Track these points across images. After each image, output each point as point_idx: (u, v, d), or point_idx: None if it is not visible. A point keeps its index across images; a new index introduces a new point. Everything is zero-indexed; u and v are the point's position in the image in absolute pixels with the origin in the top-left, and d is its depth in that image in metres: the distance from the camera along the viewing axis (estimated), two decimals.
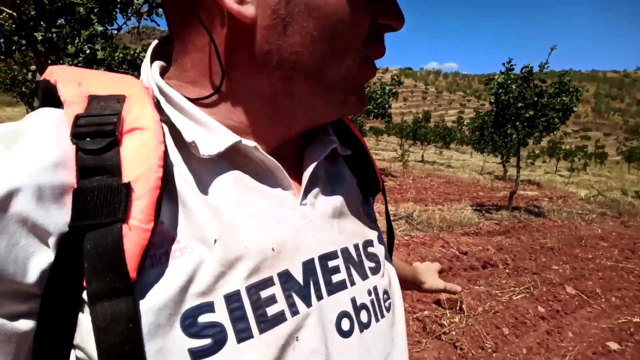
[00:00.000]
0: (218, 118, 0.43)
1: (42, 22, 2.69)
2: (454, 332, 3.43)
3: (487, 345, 3.30)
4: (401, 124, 35.11)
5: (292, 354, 0.39)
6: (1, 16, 2.58)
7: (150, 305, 0.33)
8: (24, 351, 0.32)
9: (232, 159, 0.43)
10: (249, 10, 0.38)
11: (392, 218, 7.01)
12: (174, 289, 0.34)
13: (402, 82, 16.47)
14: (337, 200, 0.51)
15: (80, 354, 0.33)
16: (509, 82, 7.82)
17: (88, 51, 2.94)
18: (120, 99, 0.38)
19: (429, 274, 0.93)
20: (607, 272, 5.49)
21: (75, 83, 0.39)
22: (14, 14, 2.52)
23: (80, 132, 0.34)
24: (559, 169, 33.62)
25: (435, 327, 3.50)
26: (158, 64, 0.46)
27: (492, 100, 8.07)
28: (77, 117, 0.35)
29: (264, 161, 0.44)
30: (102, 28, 2.96)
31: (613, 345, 3.52)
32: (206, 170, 0.41)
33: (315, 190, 0.49)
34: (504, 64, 8.03)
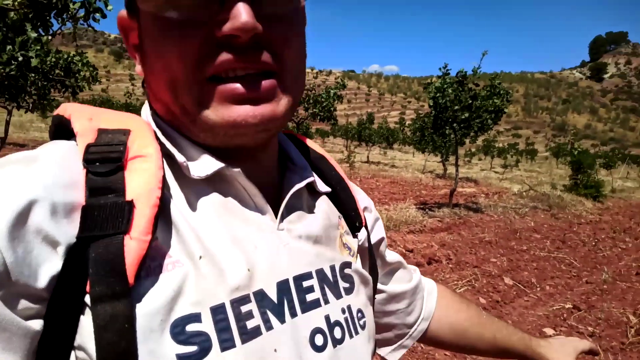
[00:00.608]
0: (195, 137, 0.48)
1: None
2: None
3: None
4: (346, 125, 35.67)
5: None
6: None
7: (144, 310, 0.37)
8: (31, 351, 0.35)
9: (216, 182, 0.47)
10: (139, 68, 0.49)
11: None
12: (166, 298, 0.38)
13: (346, 84, 16.73)
14: (314, 227, 0.54)
15: (80, 354, 0.36)
16: (446, 86, 8.23)
17: (21, 58, 2.76)
18: (125, 132, 0.44)
19: (560, 353, 0.83)
20: (541, 263, 5.91)
21: (87, 118, 0.45)
22: None
23: (90, 158, 0.40)
24: (494, 166, 35.54)
25: None
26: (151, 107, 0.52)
27: (431, 104, 8.44)
28: (88, 146, 0.41)
29: (246, 187, 0.48)
30: (36, 34, 2.79)
31: (549, 331, 3.80)
32: (194, 192, 0.46)
33: (293, 217, 0.53)
34: (440, 68, 8.45)
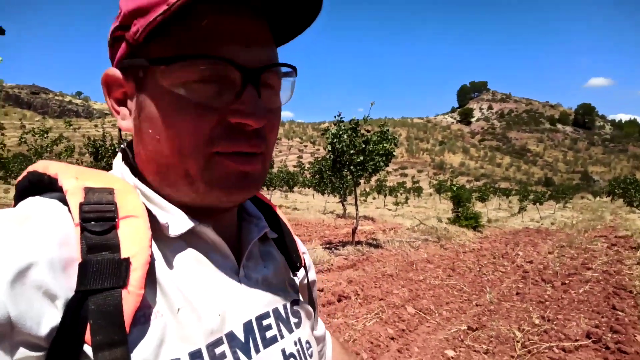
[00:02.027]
0: (172, 201, 0.51)
1: None
2: None
3: None
4: None
5: None
6: None
7: (137, 356, 0.40)
8: None
9: (188, 238, 0.51)
10: (126, 124, 0.53)
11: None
12: (152, 346, 0.42)
13: None
14: (268, 272, 0.61)
15: None
16: (341, 132, 8.87)
17: None
18: (111, 192, 0.46)
19: None
20: (437, 290, 6.45)
21: (74, 177, 0.46)
22: None
23: (86, 217, 0.42)
24: (387, 204, 37.90)
25: None
26: (123, 163, 0.55)
27: (330, 148, 8.99)
28: (82, 204, 0.43)
29: (214, 241, 0.53)
30: None
31: (450, 353, 4.15)
32: (170, 249, 0.49)
33: (251, 265, 0.59)
34: (335, 116, 9.10)
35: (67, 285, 0.39)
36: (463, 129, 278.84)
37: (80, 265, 0.40)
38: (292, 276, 0.68)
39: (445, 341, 4.48)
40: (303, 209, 25.19)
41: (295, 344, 0.60)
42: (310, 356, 0.62)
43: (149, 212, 0.48)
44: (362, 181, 10.35)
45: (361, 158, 8.84)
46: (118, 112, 0.52)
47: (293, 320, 0.62)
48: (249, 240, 0.59)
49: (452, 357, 4.08)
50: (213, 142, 0.48)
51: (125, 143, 0.59)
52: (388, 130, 9.28)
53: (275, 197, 38.36)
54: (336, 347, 0.90)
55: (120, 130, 0.60)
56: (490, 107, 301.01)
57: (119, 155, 0.57)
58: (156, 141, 0.49)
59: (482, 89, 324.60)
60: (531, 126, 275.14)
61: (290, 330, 0.60)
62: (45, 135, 12.25)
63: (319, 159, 17.99)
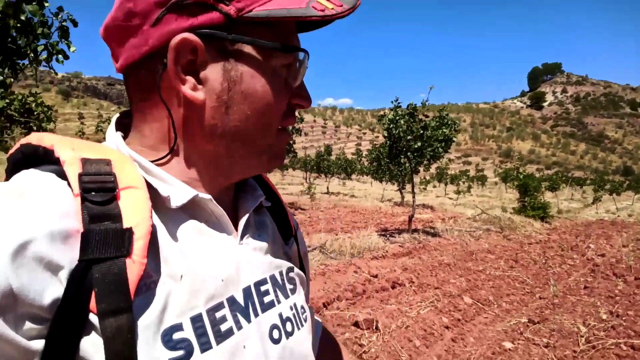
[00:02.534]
0: (173, 174, 0.53)
1: None
2: (373, 350, 3.66)
3: (402, 358, 3.58)
4: (305, 158, 36.03)
5: (244, 358, 0.51)
6: None
7: (141, 323, 0.42)
8: None
9: (189, 209, 0.53)
10: (200, 95, 0.50)
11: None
12: (156, 312, 0.43)
13: (303, 118, 17.12)
14: (263, 241, 0.63)
15: None
16: (398, 117, 8.70)
17: None
18: (107, 162, 0.46)
19: None
20: (497, 281, 6.21)
21: (70, 148, 0.46)
22: None
23: (86, 187, 0.42)
24: (448, 192, 36.83)
25: (356, 347, 3.68)
26: (119, 134, 0.55)
27: (386, 135, 8.86)
28: (81, 175, 0.43)
29: (214, 211, 0.55)
30: (1, 78, 2.80)
31: (508, 345, 4.00)
32: (172, 219, 0.51)
33: (248, 233, 0.61)
34: (392, 101, 8.94)
35: (69, 256, 0.40)
36: (534, 114, 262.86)
37: (83, 234, 0.40)
38: (285, 245, 0.70)
39: (503, 333, 4.33)
40: (360, 196, 25.14)
41: (291, 309, 0.62)
42: (305, 320, 0.65)
43: (148, 184, 0.49)
44: (421, 168, 10.14)
45: (419, 144, 8.64)
46: (184, 81, 0.49)
47: (289, 286, 0.64)
48: (245, 209, 0.61)
49: (509, 349, 3.93)
50: (282, 119, 0.56)
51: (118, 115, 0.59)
52: (448, 115, 8.97)
53: (333, 184, 38.60)
54: (325, 334, 0.90)
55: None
56: (564, 91, 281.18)
57: (112, 126, 0.56)
58: (244, 116, 0.52)
59: (555, 71, 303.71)
60: (609, 111, 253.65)
61: (286, 296, 0.62)
62: None
63: (376, 146, 17.81)
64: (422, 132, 8.67)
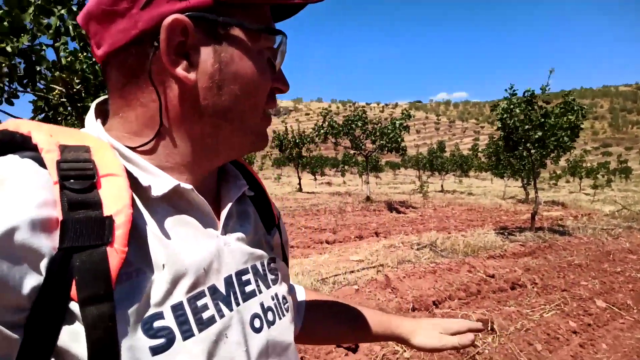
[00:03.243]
0: (156, 162, 0.52)
1: (88, 94, 3.05)
2: (487, 352, 3.50)
3: None
4: (417, 156, 35.21)
5: (224, 347, 0.51)
6: (53, 94, 2.94)
7: (122, 311, 0.42)
8: (14, 356, 0.39)
9: (170, 198, 0.52)
10: (192, 76, 0.50)
11: (416, 247, 7.19)
12: (136, 302, 0.43)
13: (413, 115, 16.79)
14: (245, 231, 0.62)
15: (62, 358, 0.40)
16: (512, 106, 8.08)
17: None
18: (86, 149, 0.46)
19: (424, 335, 0.87)
20: (638, 284, 5.44)
21: (48, 134, 0.46)
22: (63, 90, 2.88)
23: (65, 174, 0.42)
24: (583, 188, 32.91)
25: (469, 348, 3.57)
26: (99, 121, 0.54)
27: (500, 125, 8.30)
28: (59, 162, 0.42)
29: (195, 200, 0.54)
30: None
31: None
32: (152, 209, 0.50)
33: (231, 223, 0.61)
34: (506, 89, 8.33)
35: (49, 245, 0.39)
36: None
37: (62, 223, 0.40)
38: (267, 234, 0.70)
39: None
40: (479, 194, 23.77)
41: (273, 299, 0.63)
42: (287, 310, 0.65)
43: (128, 173, 0.48)
44: (547, 161, 9.29)
45: (539, 134, 7.91)
46: (177, 63, 0.49)
47: (270, 276, 0.64)
48: (228, 199, 0.61)
49: None
50: (266, 102, 0.57)
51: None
52: (574, 100, 8.07)
53: (448, 182, 37.09)
54: (310, 293, 0.93)
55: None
56: None
57: (92, 113, 0.56)
58: (234, 96, 0.52)
59: None
60: None
61: (268, 286, 0.63)
62: None
63: (494, 139, 16.72)
64: (542, 120, 7.93)
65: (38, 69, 2.39)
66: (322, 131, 17.13)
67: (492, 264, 6.24)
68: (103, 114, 0.57)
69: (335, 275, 5.43)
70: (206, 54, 0.50)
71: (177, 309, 0.47)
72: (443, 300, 4.68)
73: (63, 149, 0.45)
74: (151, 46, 0.48)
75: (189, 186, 0.53)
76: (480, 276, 5.55)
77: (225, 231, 0.59)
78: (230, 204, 0.60)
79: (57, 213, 0.40)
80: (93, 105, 0.57)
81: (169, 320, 0.46)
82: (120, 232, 0.42)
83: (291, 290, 0.82)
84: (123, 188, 0.44)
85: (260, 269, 0.63)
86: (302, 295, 0.90)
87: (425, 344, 0.86)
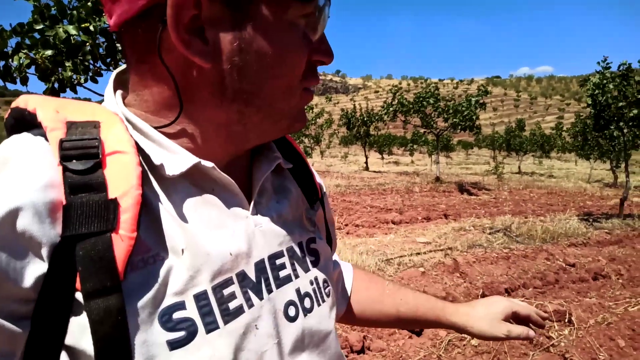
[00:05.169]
0: (177, 142, 0.47)
1: None
2: (563, 344, 3.31)
3: (600, 357, 3.15)
4: (492, 135, 33.44)
5: (253, 340, 0.47)
6: None
7: (134, 303, 0.38)
8: (19, 351, 0.37)
9: (192, 177, 0.47)
10: (206, 57, 0.43)
11: (488, 231, 6.90)
12: (152, 291, 0.40)
13: (490, 91, 15.91)
14: (282, 208, 0.57)
15: (71, 352, 0.38)
16: (605, 81, 7.34)
17: None
18: (95, 125, 0.42)
19: (481, 319, 0.80)
20: None
21: (53, 110, 0.42)
22: None
23: (67, 154, 0.38)
24: None
25: (542, 339, 3.39)
26: (119, 93, 0.50)
27: (589, 102, 7.59)
28: (62, 141, 0.39)
29: (219, 179, 0.49)
30: None
31: None
32: (171, 188, 0.46)
33: (264, 201, 0.55)
34: (598, 62, 7.57)
35: (53, 231, 0.37)
36: None
37: (64, 208, 0.37)
38: (310, 209, 0.64)
39: None
40: (561, 176, 22.18)
41: (312, 283, 0.57)
42: (328, 295, 0.60)
43: (141, 150, 0.44)
44: None
45: (635, 112, 7.13)
46: (187, 41, 0.41)
47: (310, 258, 0.59)
48: (261, 174, 0.55)
49: None
50: (304, 78, 0.50)
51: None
52: None
53: (526, 163, 34.94)
54: (358, 274, 0.87)
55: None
56: None
57: (110, 85, 0.51)
58: (260, 78, 0.46)
59: None
60: None
61: (306, 269, 0.58)
62: (311, 111, 14.53)
63: (582, 117, 15.36)
64: (639, 97, 7.12)
65: (119, 47, 2.55)
66: (391, 109, 16.86)
67: (573, 252, 5.85)
68: (124, 85, 0.51)
69: (401, 257, 5.38)
70: (223, 30, 0.43)
71: (201, 298, 0.43)
72: (516, 288, 4.48)
73: (70, 125, 0.41)
74: (160, 21, 0.41)
75: (210, 164, 0.47)
76: (559, 264, 5.23)
77: (257, 210, 0.53)
78: (261, 180, 0.54)
79: (62, 196, 0.37)
80: (112, 76, 0.52)
81: (191, 311, 0.42)
82: (127, 216, 0.38)
83: (335, 269, 0.78)
84: (130, 167, 0.40)
85: (298, 251, 0.57)
86: (349, 275, 0.85)
87: (485, 333, 0.79)
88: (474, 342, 3.30)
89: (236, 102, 0.46)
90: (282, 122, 0.51)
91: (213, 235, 0.46)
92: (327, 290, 0.60)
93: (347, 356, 3.11)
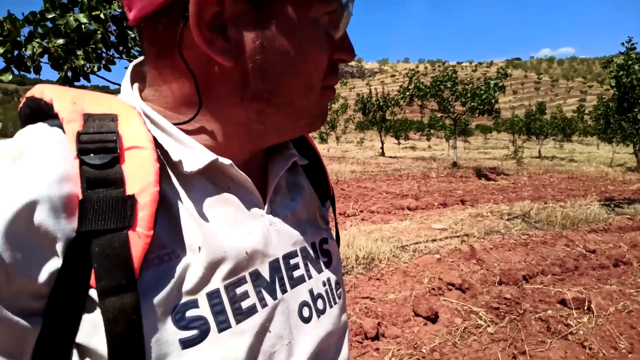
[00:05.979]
0: (195, 139, 0.47)
1: None
2: (581, 332, 3.26)
3: (620, 345, 3.09)
4: (512, 118, 32.77)
5: (267, 340, 0.47)
6: None
7: (149, 301, 0.38)
8: (29, 349, 0.36)
9: (209, 174, 0.47)
10: (228, 54, 0.42)
11: (506, 217, 6.82)
12: (166, 289, 0.39)
13: (510, 74, 15.54)
14: (296, 206, 0.57)
15: (83, 350, 0.37)
16: (631, 62, 7.07)
17: None
18: (113, 118, 0.41)
19: None
20: None
21: (71, 101, 0.41)
22: None
23: (84, 148, 0.37)
24: None
25: (560, 327, 3.34)
26: (137, 86, 0.49)
27: (613, 84, 7.35)
28: (79, 134, 0.38)
29: (236, 176, 0.48)
30: None
31: None
32: (188, 185, 0.45)
33: (278, 199, 0.55)
34: (623, 43, 7.30)
35: (68, 226, 0.36)
36: None
37: (80, 203, 0.36)
38: (322, 206, 0.64)
39: None
40: (582, 160, 21.71)
41: (324, 284, 0.57)
42: (339, 297, 0.59)
43: (159, 145, 0.44)
44: None
45: None
46: (209, 39, 0.41)
47: (323, 259, 0.59)
48: (275, 173, 0.54)
49: None
50: (325, 77, 0.49)
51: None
52: None
53: (546, 147, 34.25)
54: None
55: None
56: None
57: (128, 77, 0.50)
58: (282, 77, 0.45)
59: None
60: None
61: (320, 270, 0.57)
62: None
63: (604, 100, 14.90)
64: None
65: (132, 35, 2.54)
66: (407, 93, 16.61)
67: (593, 238, 5.74)
68: (141, 77, 0.50)
69: (416, 243, 5.35)
70: (246, 28, 0.42)
71: (213, 296, 0.43)
72: (535, 275, 4.42)
73: (87, 118, 0.40)
74: (181, 17, 0.41)
75: (227, 161, 0.46)
76: (579, 251, 5.15)
77: (272, 208, 0.53)
78: (277, 179, 0.54)
79: (78, 191, 0.37)
80: (130, 67, 0.51)
81: (204, 310, 0.41)
82: (145, 213, 0.37)
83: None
84: (148, 163, 0.39)
85: (311, 251, 0.57)
86: None
87: None
88: (490, 329, 3.27)
89: (256, 100, 0.46)
90: (302, 121, 0.51)
91: (230, 234, 0.46)
92: (338, 292, 0.60)
93: (361, 343, 3.12)
